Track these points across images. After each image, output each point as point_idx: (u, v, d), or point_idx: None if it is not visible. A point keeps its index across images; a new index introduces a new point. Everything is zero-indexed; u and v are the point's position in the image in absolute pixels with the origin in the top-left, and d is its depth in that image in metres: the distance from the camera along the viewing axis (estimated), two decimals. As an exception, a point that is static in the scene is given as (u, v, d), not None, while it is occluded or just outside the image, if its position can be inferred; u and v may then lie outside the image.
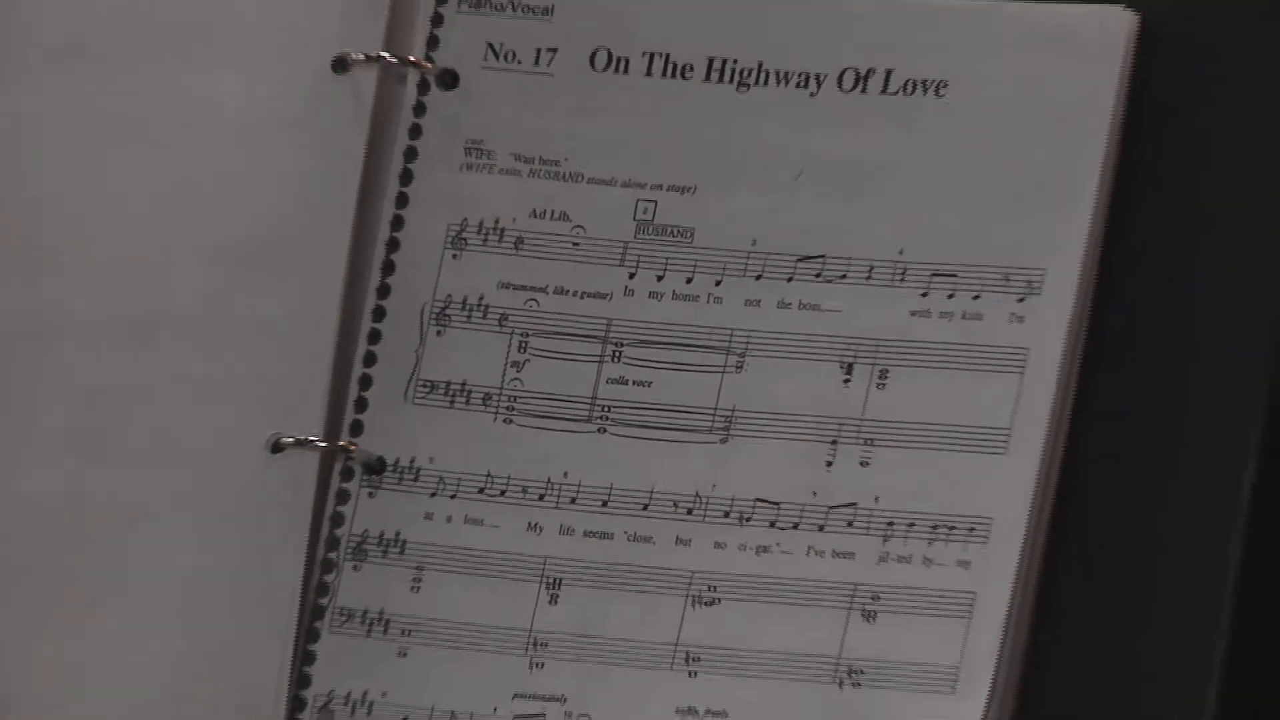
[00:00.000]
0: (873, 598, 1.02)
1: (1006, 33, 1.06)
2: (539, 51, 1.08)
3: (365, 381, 1.07)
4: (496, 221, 1.07)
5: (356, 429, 1.06)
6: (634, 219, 1.07)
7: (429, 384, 1.06)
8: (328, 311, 1.08)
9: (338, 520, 1.07)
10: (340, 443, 1.06)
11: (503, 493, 1.05)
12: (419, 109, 1.09)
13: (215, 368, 1.10)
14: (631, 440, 1.06)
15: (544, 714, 1.06)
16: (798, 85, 1.07)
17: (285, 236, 1.12)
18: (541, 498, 1.05)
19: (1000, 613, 1.03)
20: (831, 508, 1.02)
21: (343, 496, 1.06)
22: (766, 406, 1.04)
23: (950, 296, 1.03)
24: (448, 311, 1.08)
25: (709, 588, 1.04)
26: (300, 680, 1.08)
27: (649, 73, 1.08)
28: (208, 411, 1.10)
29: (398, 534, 1.05)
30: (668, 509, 1.04)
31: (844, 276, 1.04)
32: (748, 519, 1.04)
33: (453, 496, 1.05)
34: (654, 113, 1.09)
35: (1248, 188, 1.05)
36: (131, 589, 1.13)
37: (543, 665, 1.05)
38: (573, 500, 1.05)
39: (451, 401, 1.06)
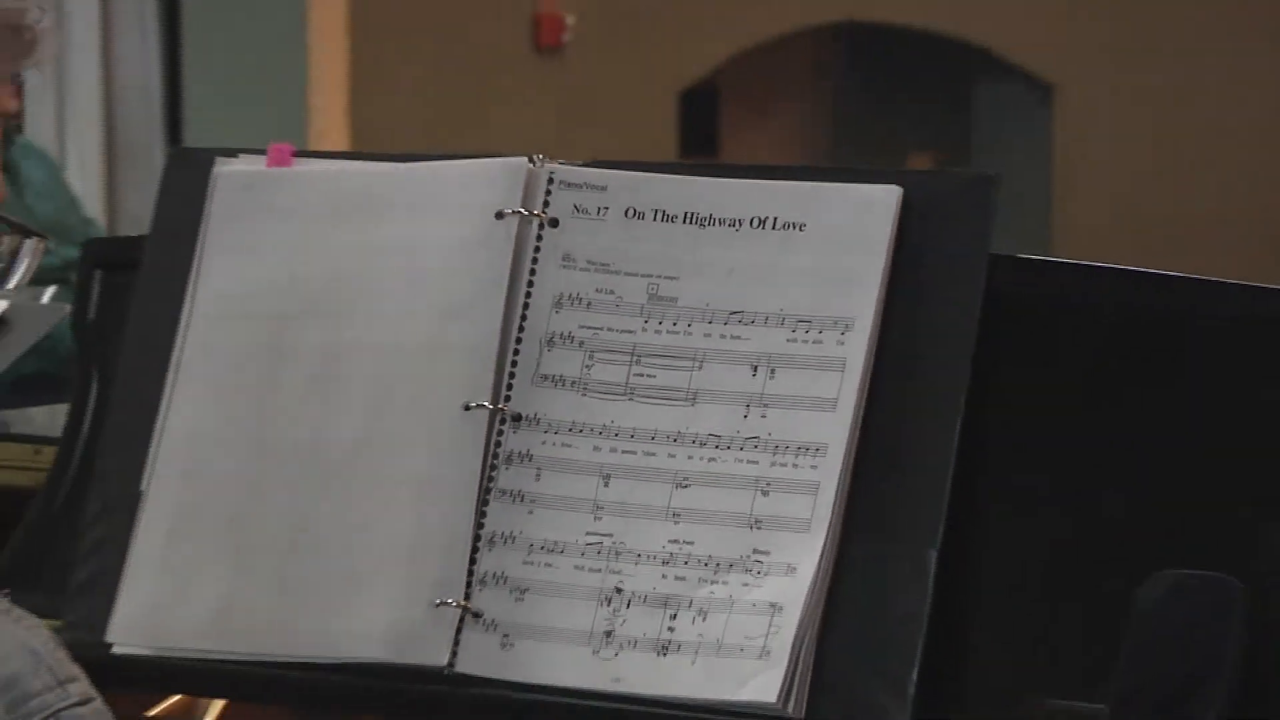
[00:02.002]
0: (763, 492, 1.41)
1: (841, 197, 1.45)
2: (599, 209, 1.48)
3: (511, 375, 1.46)
4: (577, 294, 1.47)
5: (507, 399, 1.46)
6: (646, 292, 1.46)
7: (544, 376, 1.47)
8: (492, 338, 1.45)
9: (498, 445, 1.45)
10: (500, 405, 1.45)
11: (580, 432, 1.45)
12: (539, 238, 1.48)
13: (440, 373, 1.47)
14: (647, 404, 1.45)
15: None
16: (733, 226, 1.47)
17: (471, 295, 1.47)
18: (600, 433, 1.45)
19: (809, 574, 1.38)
20: (747, 438, 1.42)
21: (501, 434, 1.46)
22: (714, 386, 1.44)
23: (807, 333, 1.42)
24: (553, 339, 1.47)
25: (683, 480, 1.43)
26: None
27: (655, 220, 1.48)
28: (441, 394, 1.46)
29: (527, 451, 1.46)
30: (661, 440, 1.44)
31: (753, 322, 1.44)
32: (702, 443, 1.44)
33: (555, 433, 1.46)
34: (659, 240, 1.48)
35: (950, 283, 1.41)
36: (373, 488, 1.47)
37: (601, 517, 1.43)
38: (615, 435, 1.44)
39: (555, 385, 1.47)
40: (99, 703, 0.93)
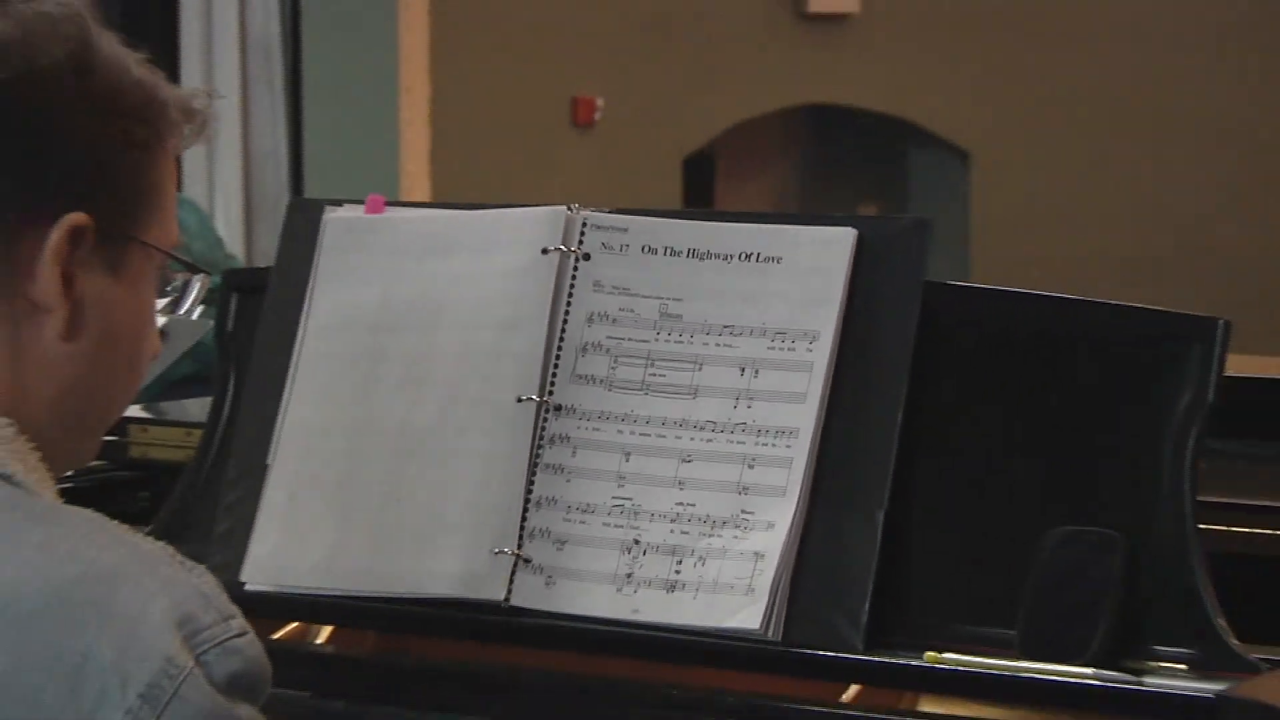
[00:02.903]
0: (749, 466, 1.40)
1: (808, 237, 1.44)
2: (621, 245, 1.47)
3: (554, 375, 1.45)
4: (605, 312, 1.46)
5: (550, 393, 1.45)
6: (659, 311, 1.46)
7: (579, 375, 1.46)
8: (539, 346, 1.44)
9: (543, 429, 1.44)
10: (545, 398, 1.44)
11: (607, 419, 1.45)
12: (575, 269, 1.47)
13: (499, 373, 1.46)
14: (659, 398, 1.44)
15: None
16: (725, 259, 1.45)
17: (523, 312, 1.45)
18: (622, 420, 1.44)
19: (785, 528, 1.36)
20: (737, 423, 1.41)
21: (546, 420, 1.45)
22: (711, 383, 1.43)
23: (783, 343, 1.41)
24: (586, 347, 1.46)
25: (687, 456, 1.42)
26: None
27: (664, 254, 1.47)
28: (500, 389, 1.45)
29: (565, 434, 1.45)
30: (670, 425, 1.42)
31: (741, 334, 1.43)
32: (701, 428, 1.42)
33: (587, 420, 1.45)
34: (668, 270, 1.47)
35: (893, 304, 1.39)
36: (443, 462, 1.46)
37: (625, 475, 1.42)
38: (634, 422, 1.43)
39: (587, 383, 1.46)
40: (252, 635, 0.91)
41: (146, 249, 0.99)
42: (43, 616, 0.86)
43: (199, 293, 1.07)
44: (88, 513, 0.94)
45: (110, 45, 0.98)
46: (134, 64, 0.99)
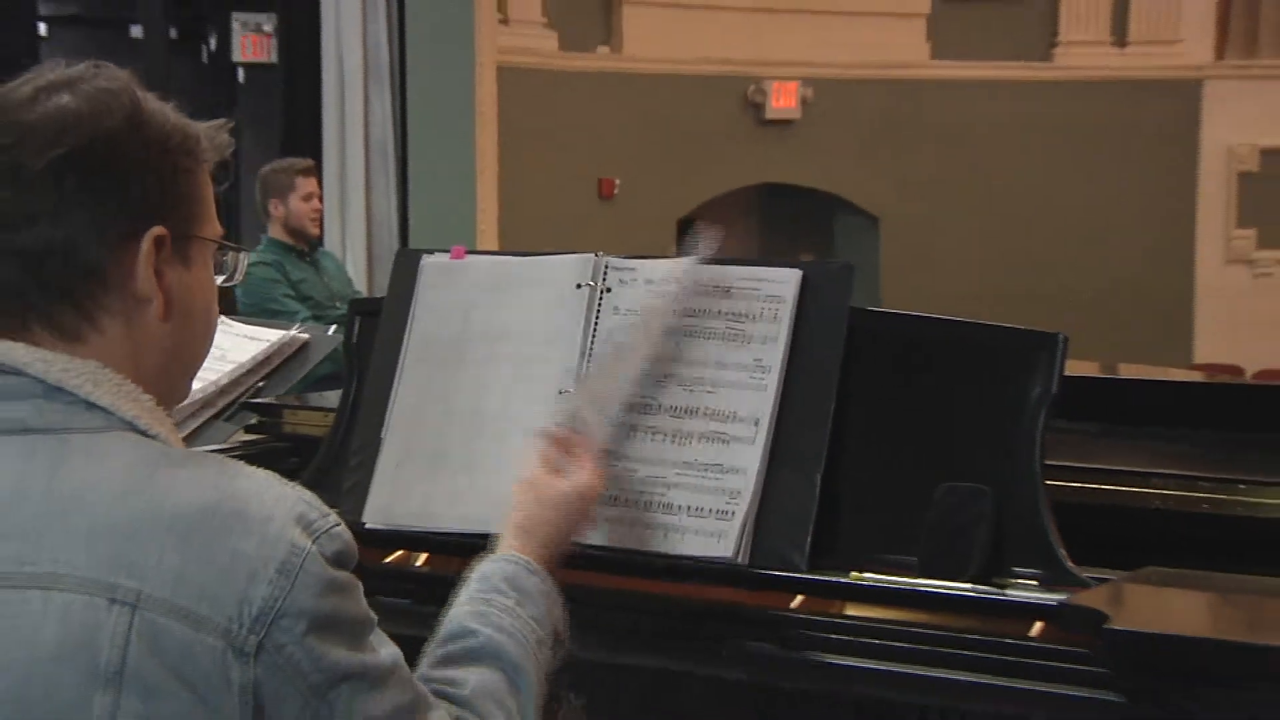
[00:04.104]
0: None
1: (767, 275, 1.37)
2: (632, 280, 1.42)
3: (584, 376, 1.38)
4: (621, 328, 1.40)
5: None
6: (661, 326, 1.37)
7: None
8: (574, 354, 1.39)
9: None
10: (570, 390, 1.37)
11: (625, 404, 1.36)
12: (600, 299, 1.43)
13: (547, 373, 1.40)
14: (658, 388, 1.37)
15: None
16: (705, 288, 1.38)
17: (563, 331, 1.40)
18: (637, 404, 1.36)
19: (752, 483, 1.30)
20: (719, 408, 1.34)
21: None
22: (695, 377, 1.36)
23: (749, 350, 1.35)
24: (607, 339, 1.39)
25: (686, 429, 1.34)
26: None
27: (661, 286, 1.39)
28: (547, 384, 1.39)
29: None
30: (665, 409, 1.35)
31: (714, 340, 1.36)
32: (695, 410, 1.35)
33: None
34: (664, 297, 1.39)
35: (828, 321, 1.34)
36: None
37: None
38: (646, 406, 1.36)
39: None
40: (344, 525, 0.93)
41: (204, 242, 0.99)
42: (200, 529, 0.87)
43: (243, 266, 1.06)
44: (215, 455, 0.95)
45: (152, 102, 0.98)
46: (171, 112, 0.98)
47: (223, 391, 1.84)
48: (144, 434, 0.92)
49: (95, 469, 0.89)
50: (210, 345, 1.03)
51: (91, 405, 0.91)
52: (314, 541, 0.89)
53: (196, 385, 1.19)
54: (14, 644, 0.85)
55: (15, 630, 0.85)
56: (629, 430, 1.37)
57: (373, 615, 0.93)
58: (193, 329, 0.99)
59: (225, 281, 1.04)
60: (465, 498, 1.41)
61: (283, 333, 1.96)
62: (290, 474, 1.55)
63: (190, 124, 0.99)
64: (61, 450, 0.89)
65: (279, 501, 0.90)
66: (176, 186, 0.97)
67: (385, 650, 0.93)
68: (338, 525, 0.92)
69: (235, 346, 1.90)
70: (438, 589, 1.16)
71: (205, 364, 1.06)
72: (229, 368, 1.87)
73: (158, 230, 0.95)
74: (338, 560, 0.91)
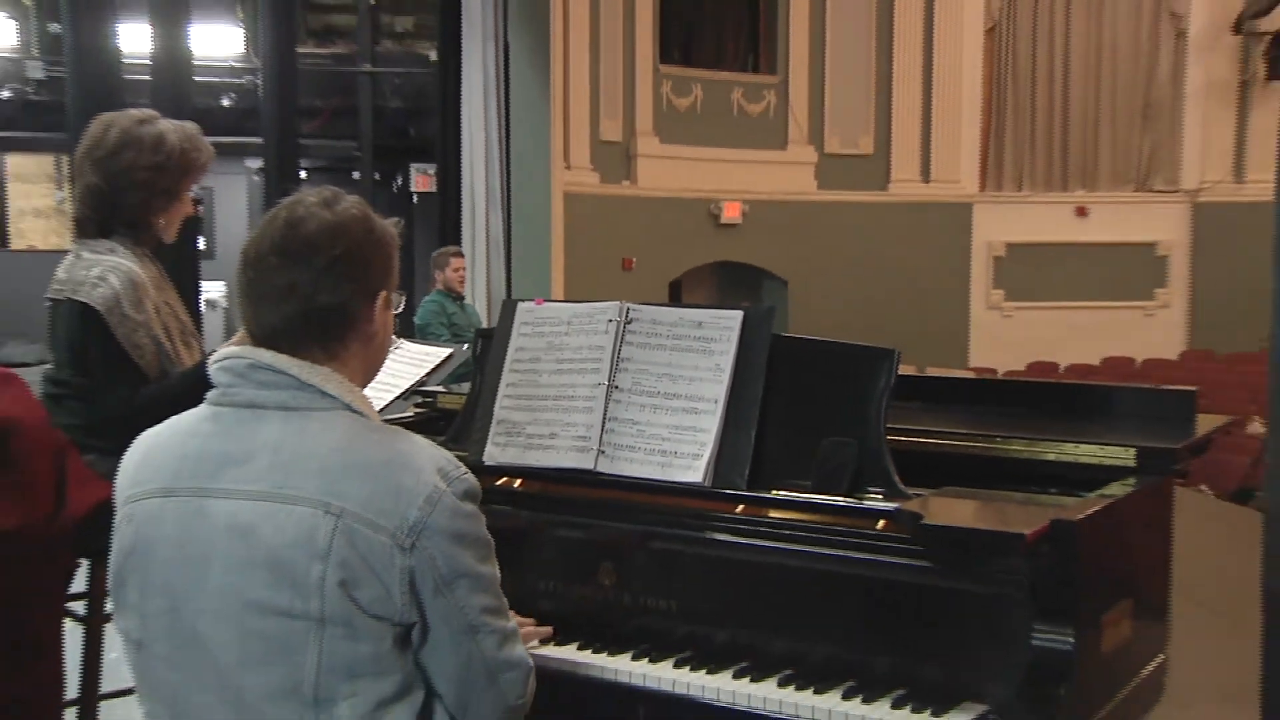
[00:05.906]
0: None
1: (721, 314, 1.26)
2: (641, 318, 1.31)
3: (613, 375, 1.29)
4: (634, 344, 1.30)
5: (614, 383, 1.28)
6: (656, 345, 1.30)
7: (623, 373, 1.30)
8: (607, 363, 1.29)
9: (610, 394, 1.28)
10: (612, 384, 1.30)
11: (635, 392, 1.27)
12: (622, 332, 1.32)
13: (593, 375, 1.31)
14: (660, 381, 1.29)
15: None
16: (685, 323, 1.28)
17: (601, 352, 1.29)
18: (641, 392, 1.27)
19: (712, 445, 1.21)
20: (692, 394, 1.25)
21: (610, 392, 1.29)
22: (678, 374, 1.27)
23: (711, 359, 1.26)
24: (625, 363, 1.30)
25: (672, 405, 1.26)
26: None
27: (661, 324, 1.29)
28: (591, 380, 1.31)
29: (618, 398, 1.27)
30: (661, 395, 1.26)
31: (690, 352, 1.27)
32: (677, 395, 1.27)
33: (628, 392, 1.28)
34: (660, 329, 1.28)
35: (758, 346, 1.25)
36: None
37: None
38: (645, 394, 1.27)
39: (626, 374, 1.30)
40: (471, 474, 0.92)
41: (389, 294, 0.98)
42: (381, 472, 0.88)
43: (402, 301, 1.02)
44: (395, 426, 0.93)
45: (376, 219, 0.97)
46: (385, 222, 0.97)
47: (411, 387, 1.85)
48: (356, 413, 0.92)
49: (324, 433, 0.89)
50: (386, 357, 1.01)
51: (325, 394, 0.91)
52: (449, 485, 0.89)
53: (399, 382, 1.20)
54: (273, 531, 0.87)
55: (275, 524, 0.87)
56: (639, 406, 1.29)
57: (490, 540, 0.91)
58: (382, 347, 0.99)
59: (394, 310, 1.01)
60: (545, 445, 1.34)
61: (445, 350, 1.91)
62: (441, 432, 1.52)
63: (390, 228, 0.99)
64: (305, 422, 0.90)
65: (430, 459, 0.90)
66: (390, 264, 0.97)
67: (493, 568, 0.92)
68: (467, 474, 0.91)
69: (414, 362, 1.82)
70: (526, 501, 1.18)
71: (398, 372, 1.02)
72: (406, 381, 1.86)
73: (383, 294, 0.96)
74: (466, 496, 0.90)
